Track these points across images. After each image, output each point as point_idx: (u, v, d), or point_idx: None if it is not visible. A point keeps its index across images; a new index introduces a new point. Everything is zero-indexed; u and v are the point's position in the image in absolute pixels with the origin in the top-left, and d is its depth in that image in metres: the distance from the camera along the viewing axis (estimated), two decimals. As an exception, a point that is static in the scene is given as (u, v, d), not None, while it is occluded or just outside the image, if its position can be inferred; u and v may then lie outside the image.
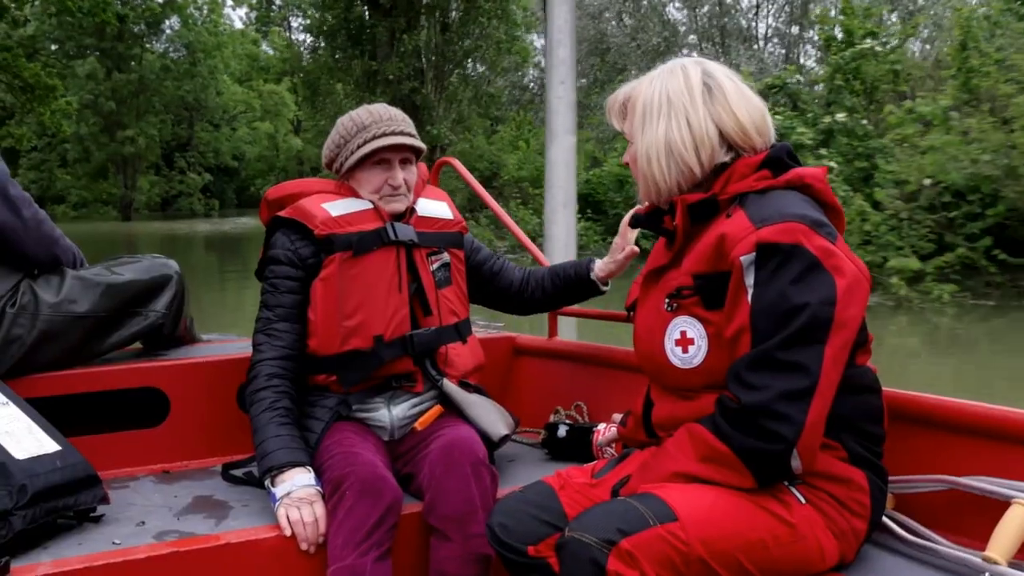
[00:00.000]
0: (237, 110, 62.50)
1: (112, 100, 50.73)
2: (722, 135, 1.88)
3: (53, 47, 45.86)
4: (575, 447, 2.73)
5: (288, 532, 2.14)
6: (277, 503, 2.20)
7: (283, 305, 2.45)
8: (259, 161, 64.37)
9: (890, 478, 1.95)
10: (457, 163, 3.57)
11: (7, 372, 2.46)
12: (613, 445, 2.56)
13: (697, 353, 1.85)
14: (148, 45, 53.93)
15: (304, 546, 2.13)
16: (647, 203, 2.03)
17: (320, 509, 2.17)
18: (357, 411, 2.49)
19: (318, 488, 2.22)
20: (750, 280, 1.73)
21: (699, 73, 1.91)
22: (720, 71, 1.93)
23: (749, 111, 1.90)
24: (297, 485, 2.21)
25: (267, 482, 2.26)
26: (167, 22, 54.15)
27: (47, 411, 2.33)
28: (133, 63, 52.25)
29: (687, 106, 1.88)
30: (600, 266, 2.76)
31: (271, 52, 67.05)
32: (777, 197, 1.81)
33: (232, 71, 61.49)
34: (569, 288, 2.83)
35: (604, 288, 2.80)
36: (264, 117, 63.56)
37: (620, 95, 2.05)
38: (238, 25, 66.67)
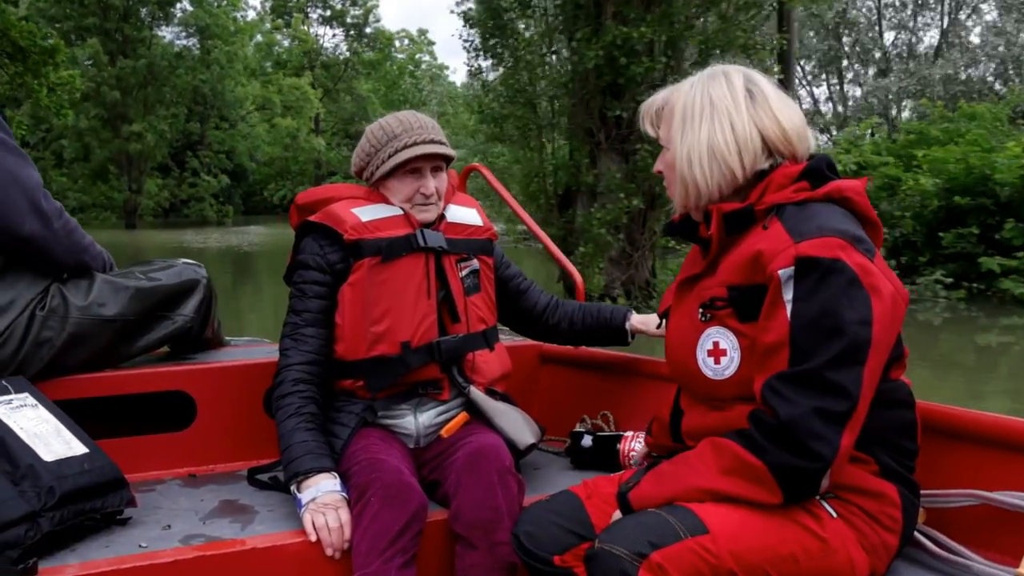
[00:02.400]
0: (255, 105, 57.15)
1: (117, 89, 44.11)
2: (764, 140, 1.87)
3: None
4: (601, 456, 2.72)
5: (313, 538, 2.14)
6: (303, 508, 2.20)
7: (310, 310, 2.45)
8: (267, 165, 59.65)
9: (922, 492, 1.92)
10: (485, 170, 3.56)
11: (36, 374, 2.47)
12: (644, 458, 2.54)
13: (729, 364, 1.83)
14: (157, 31, 48.29)
15: (329, 552, 2.13)
16: (681, 211, 2.01)
17: (345, 515, 2.17)
18: (383, 418, 2.49)
19: (343, 494, 2.22)
20: (788, 295, 1.71)
21: (741, 79, 1.90)
22: (761, 78, 1.93)
23: (791, 117, 1.89)
24: (323, 491, 2.21)
25: (293, 487, 2.26)
26: (178, 4, 48.62)
27: (75, 413, 2.34)
28: (141, 48, 45.67)
29: (731, 110, 1.87)
30: (637, 319, 2.79)
31: (287, 44, 64.37)
32: (816, 210, 1.79)
33: (249, 63, 56.04)
34: (599, 330, 2.84)
35: (630, 340, 2.83)
36: (284, 114, 57.83)
37: (656, 100, 2.03)
38: (252, 16, 63.30)
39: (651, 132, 2.03)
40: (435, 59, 78.80)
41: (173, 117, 49.10)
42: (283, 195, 62.14)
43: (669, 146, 1.96)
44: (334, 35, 71.91)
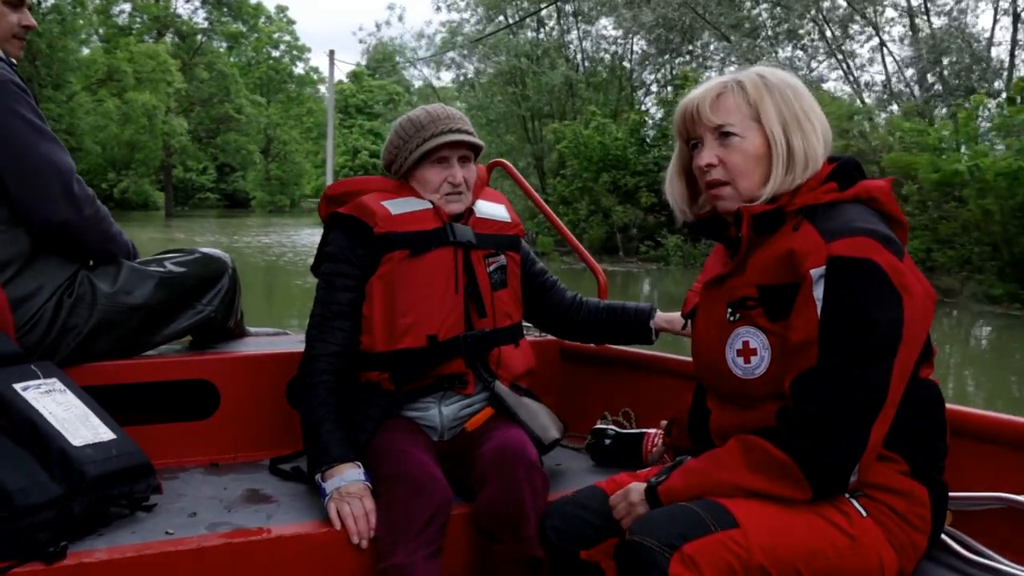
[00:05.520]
0: (101, 74, 47.38)
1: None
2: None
3: None
4: (621, 453, 2.72)
5: (338, 526, 2.15)
6: (327, 498, 2.21)
7: (338, 302, 2.46)
8: (104, 151, 48.18)
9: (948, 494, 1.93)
10: (509, 165, 3.56)
11: (63, 360, 2.48)
12: (665, 453, 2.55)
13: (760, 364, 1.84)
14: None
15: (355, 540, 2.13)
16: (728, 207, 1.94)
17: (370, 503, 2.18)
18: (408, 410, 2.50)
19: (367, 483, 2.23)
20: (818, 293, 1.72)
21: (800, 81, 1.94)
22: None
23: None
24: (347, 480, 2.22)
25: (317, 477, 2.27)
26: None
27: (98, 400, 2.35)
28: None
29: (817, 110, 1.89)
30: (661, 318, 2.79)
31: (128, 8, 56.69)
32: (846, 211, 1.80)
33: (87, 23, 47.40)
34: (623, 328, 2.84)
35: (654, 339, 2.82)
36: (138, 87, 47.41)
37: (725, 87, 1.94)
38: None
39: (712, 121, 1.91)
40: (296, 39, 71.67)
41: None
42: (124, 188, 56.34)
43: (745, 134, 1.89)
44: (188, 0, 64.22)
